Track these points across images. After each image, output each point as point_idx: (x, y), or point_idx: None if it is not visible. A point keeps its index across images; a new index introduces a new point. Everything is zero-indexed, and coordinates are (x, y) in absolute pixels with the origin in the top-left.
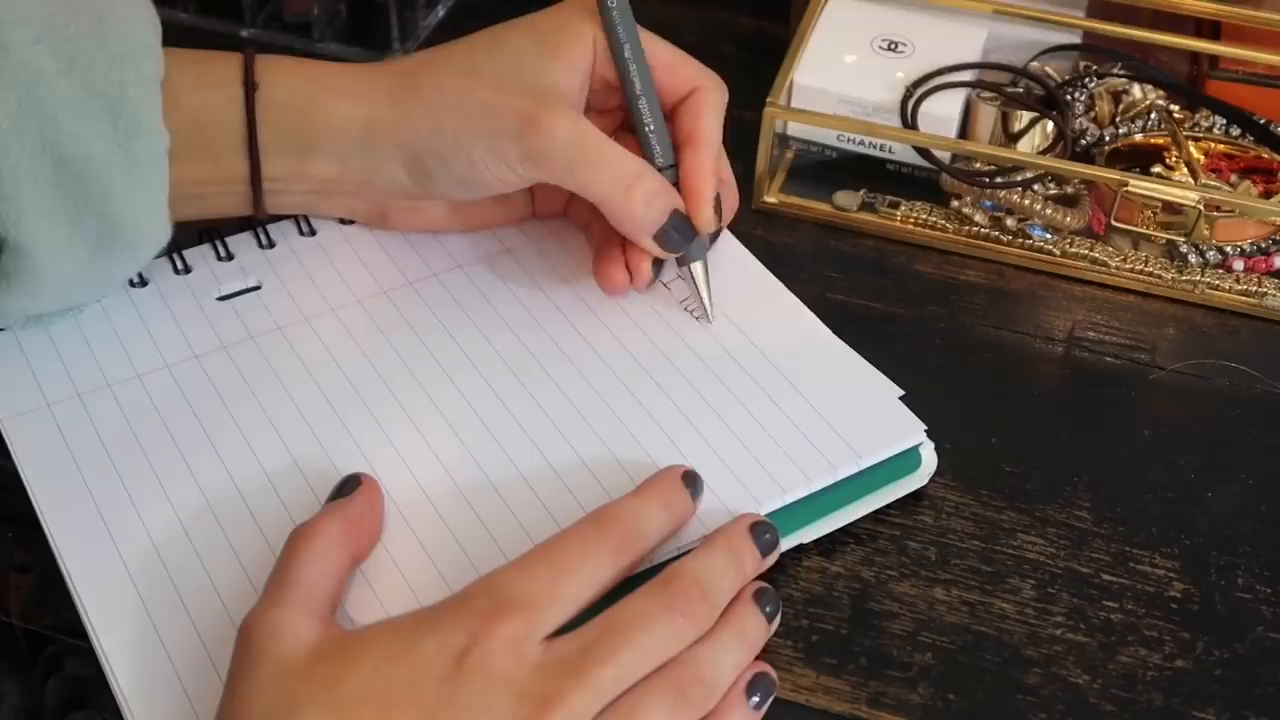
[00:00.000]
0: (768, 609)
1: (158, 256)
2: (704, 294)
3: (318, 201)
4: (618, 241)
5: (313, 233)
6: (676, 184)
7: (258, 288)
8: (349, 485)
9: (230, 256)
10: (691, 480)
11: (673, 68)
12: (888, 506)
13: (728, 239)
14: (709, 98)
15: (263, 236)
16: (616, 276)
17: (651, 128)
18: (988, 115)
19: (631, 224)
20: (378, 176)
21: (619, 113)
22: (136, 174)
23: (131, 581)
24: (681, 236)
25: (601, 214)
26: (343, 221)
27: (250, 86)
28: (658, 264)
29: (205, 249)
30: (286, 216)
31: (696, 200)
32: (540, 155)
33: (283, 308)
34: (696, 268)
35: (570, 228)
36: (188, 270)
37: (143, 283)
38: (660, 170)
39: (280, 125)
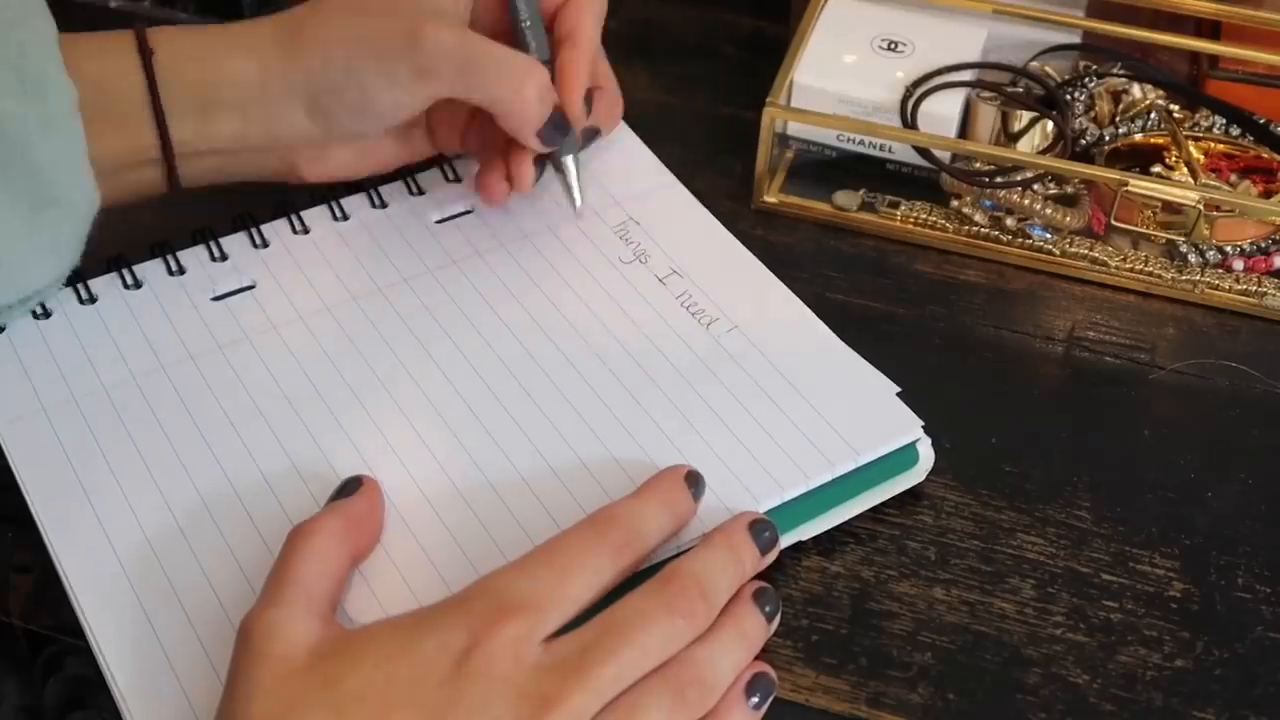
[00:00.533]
0: (767, 608)
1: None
2: (574, 187)
3: (228, 164)
4: (499, 151)
5: (306, 231)
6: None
7: (252, 287)
8: (350, 486)
9: (224, 257)
10: (693, 480)
11: None
12: (887, 506)
13: (727, 238)
14: (587, 2)
15: (256, 236)
16: (498, 184)
17: (528, 23)
18: (988, 115)
19: (523, 121)
20: (279, 124)
21: (504, 26)
22: (51, 129)
23: (129, 582)
24: (559, 132)
25: (491, 132)
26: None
27: (146, 52)
28: (538, 164)
29: (199, 250)
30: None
31: (569, 93)
32: (429, 68)
33: (278, 307)
34: (568, 161)
35: (563, 223)
36: (182, 271)
37: (137, 284)
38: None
39: (179, 85)
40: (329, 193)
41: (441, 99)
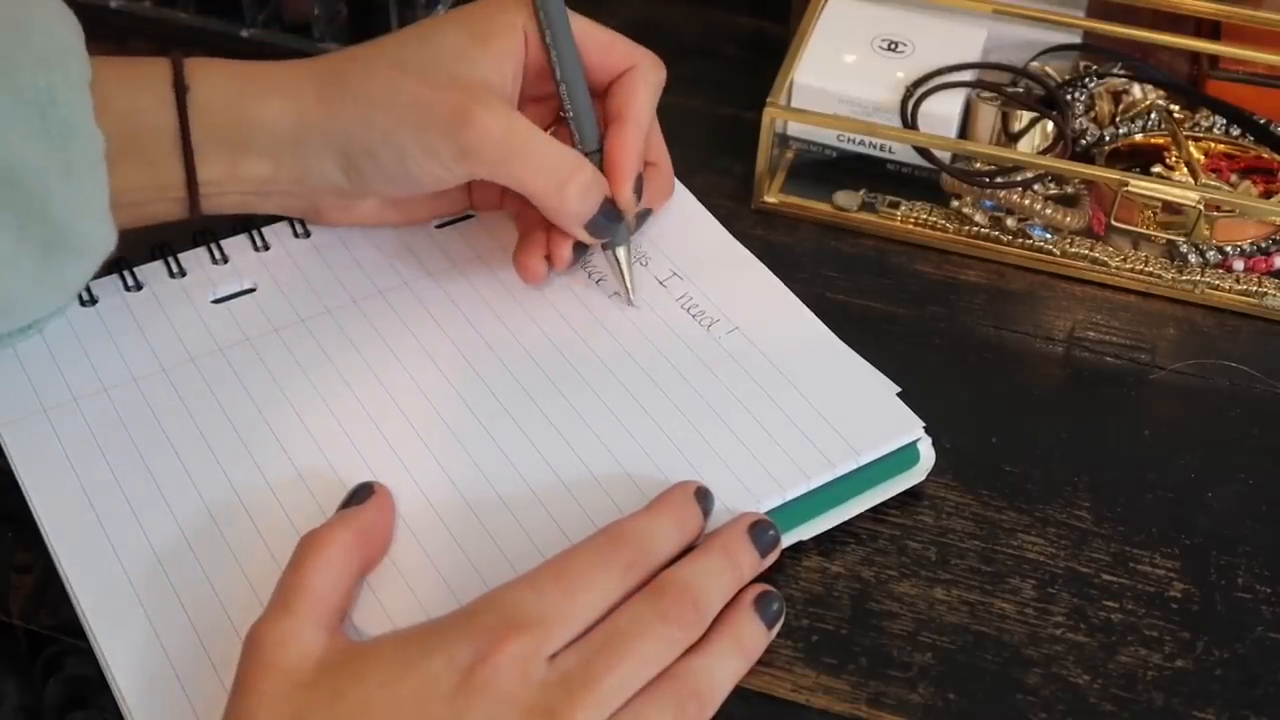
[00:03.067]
0: (768, 614)
1: (120, 266)
2: (626, 278)
3: (253, 202)
4: (542, 229)
5: (307, 234)
6: (602, 167)
7: (253, 290)
8: (361, 494)
9: (225, 259)
10: (703, 496)
11: (605, 47)
12: (887, 506)
13: (728, 240)
14: (642, 75)
15: (258, 239)
16: (537, 267)
17: (571, 113)
18: (988, 115)
19: (565, 218)
20: (310, 175)
21: (555, 100)
22: (74, 178)
23: (131, 585)
24: (608, 222)
25: (533, 203)
26: (294, 226)
27: (180, 89)
28: (579, 248)
29: (200, 252)
30: (226, 217)
31: (616, 179)
32: (472, 151)
33: (278, 310)
34: (620, 252)
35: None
36: (183, 274)
37: (138, 286)
38: (588, 155)
39: (212, 126)
40: None
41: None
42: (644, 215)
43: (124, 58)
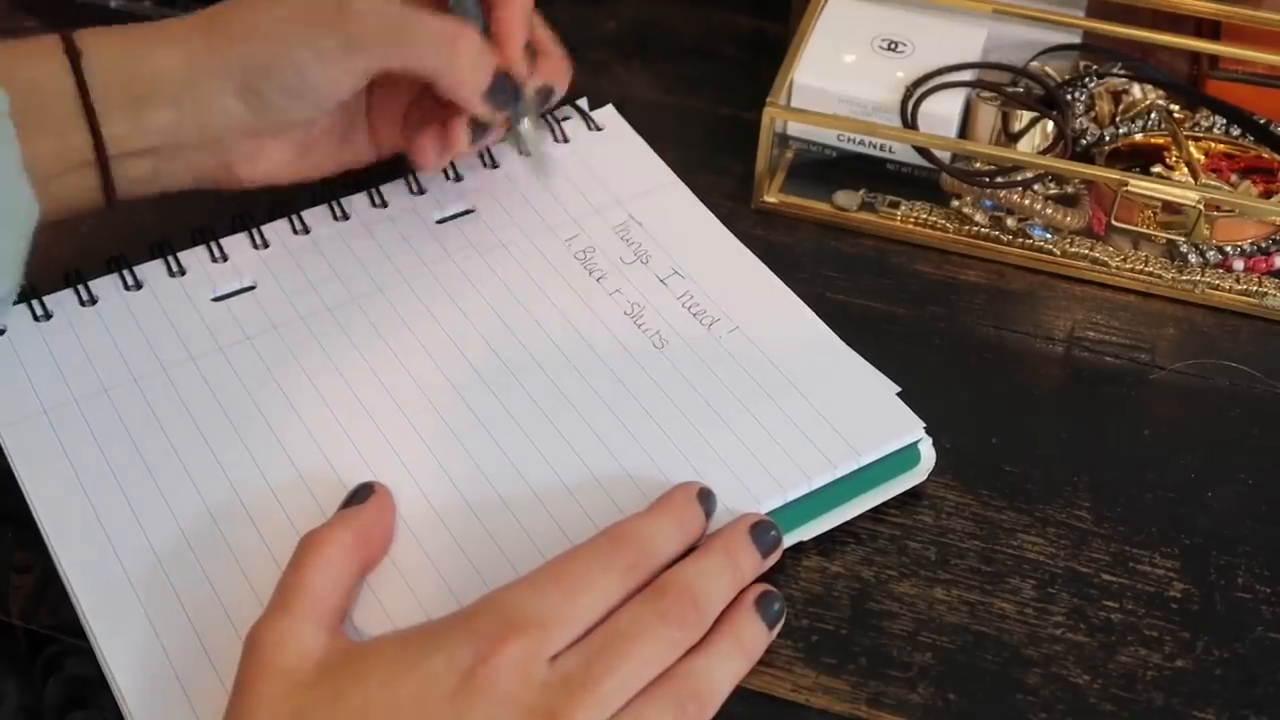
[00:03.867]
0: (769, 615)
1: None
2: (535, 150)
3: (163, 166)
4: (436, 119)
5: (307, 231)
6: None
7: (253, 288)
8: (361, 493)
9: (225, 257)
10: (705, 497)
11: None
12: (887, 506)
13: (728, 239)
14: None
15: (257, 237)
16: (430, 149)
17: None
18: (988, 115)
19: (462, 87)
20: (212, 112)
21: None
22: None
23: (131, 585)
24: (506, 94)
25: (431, 112)
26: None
27: (74, 54)
28: (476, 128)
29: (199, 250)
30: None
31: (508, 50)
32: (358, 38)
33: (278, 307)
34: (525, 124)
35: (564, 223)
36: (182, 272)
37: (137, 285)
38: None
39: (109, 84)
40: (329, 193)
41: (375, 73)
42: (547, 94)
43: (14, 39)
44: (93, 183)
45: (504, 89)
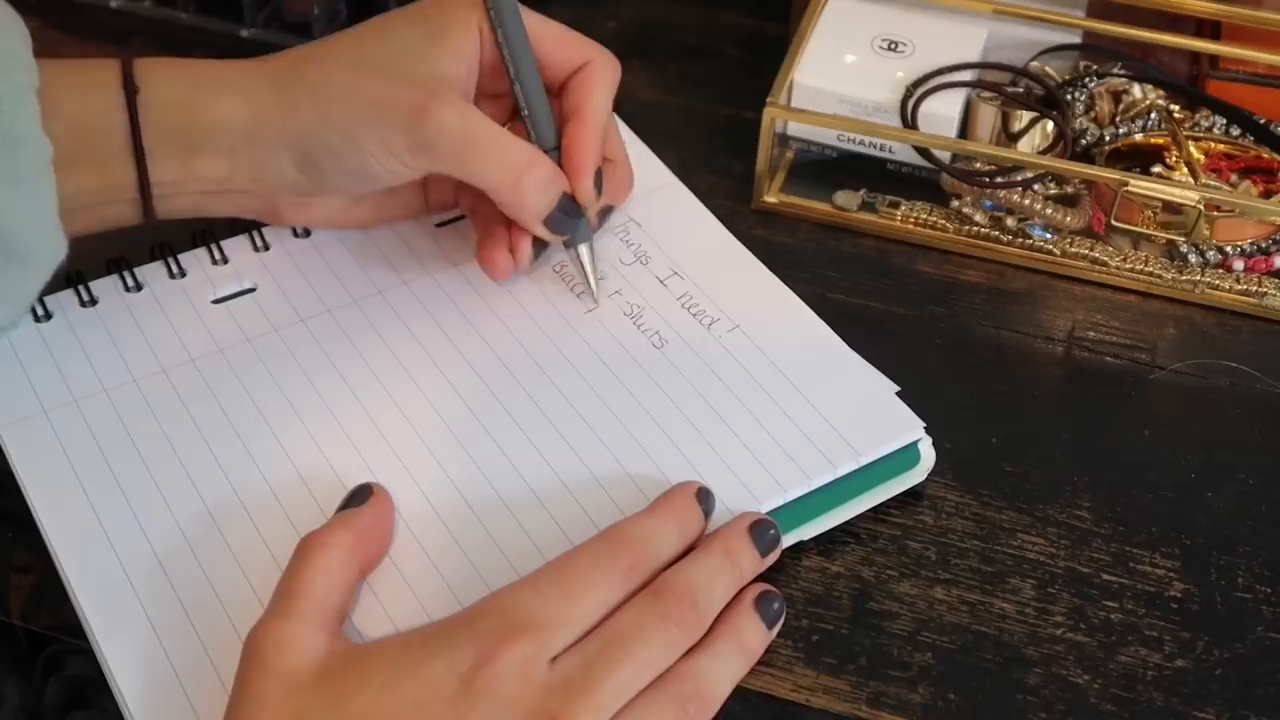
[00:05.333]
0: (769, 614)
1: (64, 282)
2: (589, 275)
3: (209, 202)
4: (503, 226)
5: (307, 234)
6: (560, 164)
7: (253, 290)
8: (360, 495)
9: (225, 260)
10: (704, 497)
11: (560, 44)
12: (888, 506)
13: (728, 239)
14: (598, 73)
15: (258, 239)
16: (501, 262)
17: (527, 112)
18: (988, 115)
19: (524, 212)
20: (267, 172)
21: (511, 97)
22: (21, 186)
23: (131, 586)
24: (568, 218)
25: (488, 199)
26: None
27: (130, 90)
28: (538, 245)
29: (200, 252)
30: (179, 221)
31: (575, 174)
32: (429, 146)
33: (278, 310)
34: (582, 249)
35: None
36: (183, 274)
37: (138, 287)
38: (546, 152)
39: (164, 126)
40: None
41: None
42: (606, 212)
43: (73, 60)
44: (133, 212)
45: (567, 214)
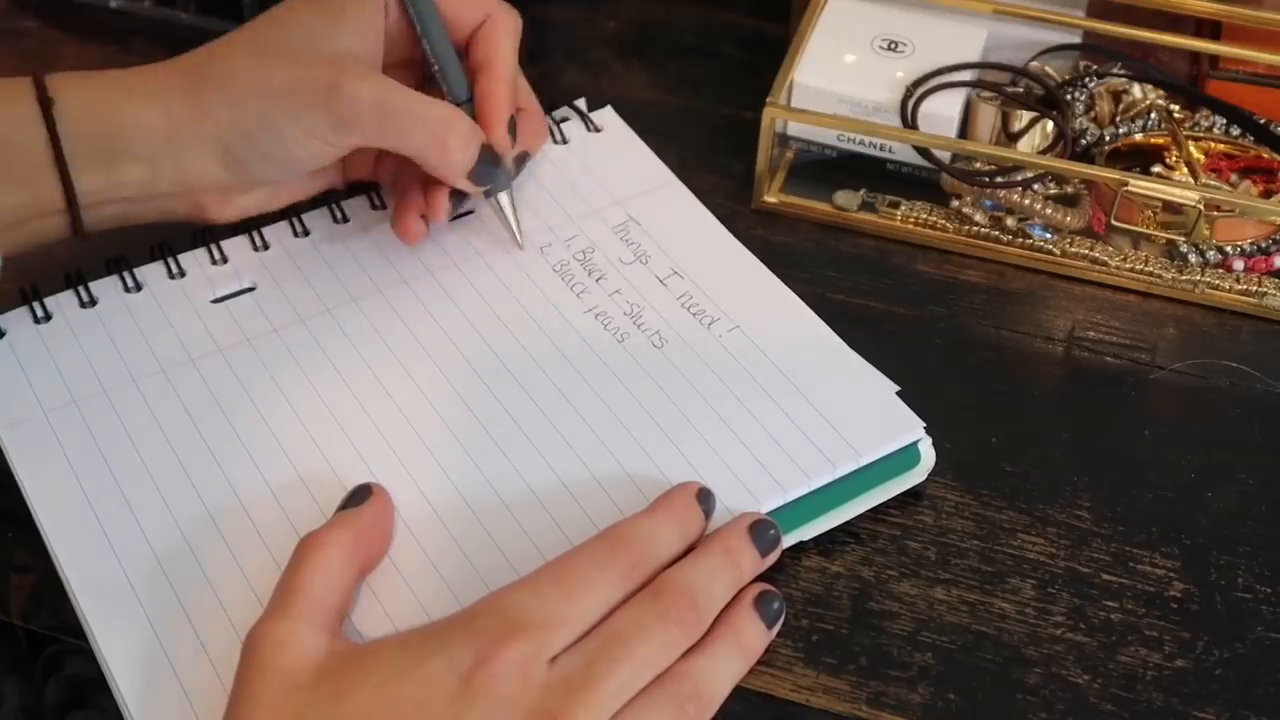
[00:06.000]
0: (768, 614)
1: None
2: (512, 221)
3: (135, 210)
4: (418, 190)
5: (306, 233)
6: (475, 116)
7: (252, 289)
8: (359, 495)
9: (224, 259)
10: (704, 498)
11: (461, 1)
12: (888, 506)
13: (728, 239)
14: (501, 24)
15: (257, 239)
16: (416, 226)
17: (437, 67)
18: (988, 115)
19: (448, 169)
20: (189, 174)
21: (418, 58)
22: None
23: (131, 585)
24: (489, 168)
25: (407, 165)
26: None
27: (46, 102)
28: (455, 197)
29: (200, 252)
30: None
31: (491, 125)
32: (350, 121)
33: (278, 309)
34: (503, 198)
35: (563, 224)
36: (182, 274)
37: (137, 287)
38: (459, 105)
39: (82, 136)
40: (329, 195)
41: (360, 148)
42: (522, 159)
43: None
44: (61, 226)
45: (487, 164)
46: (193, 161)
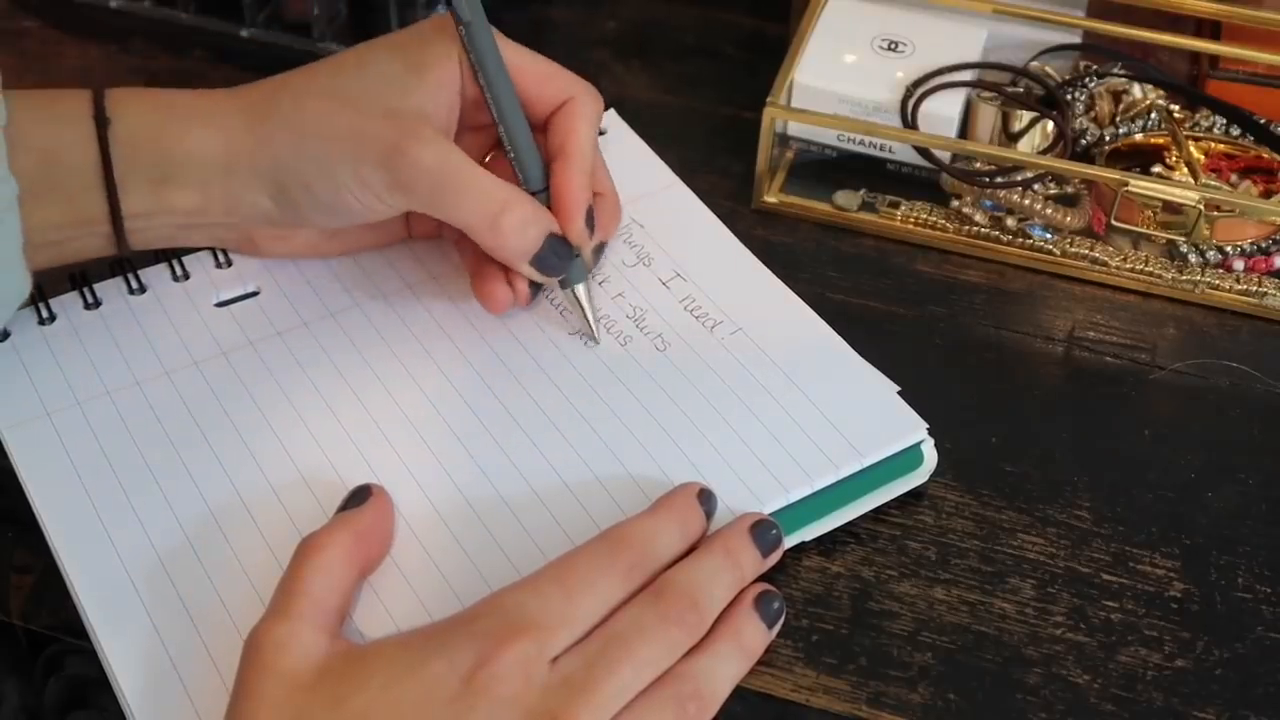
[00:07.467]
0: (769, 614)
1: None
2: (588, 316)
3: (183, 234)
4: (496, 261)
5: None
6: (549, 205)
7: (256, 293)
8: (359, 496)
9: (229, 263)
10: (706, 498)
11: (542, 80)
12: (888, 506)
13: (731, 241)
14: (581, 108)
15: None
16: (499, 294)
17: (513, 154)
18: (988, 115)
19: (503, 252)
20: (241, 205)
21: (494, 128)
22: None
23: (133, 585)
24: (559, 259)
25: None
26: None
27: (101, 121)
28: (535, 285)
29: (204, 255)
30: (154, 253)
31: (566, 216)
32: (406, 184)
33: (282, 313)
34: (579, 289)
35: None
36: (186, 277)
37: (141, 289)
38: (535, 194)
39: (135, 158)
40: None
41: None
42: (599, 249)
43: (45, 90)
44: (105, 243)
45: (559, 254)
46: (245, 193)
